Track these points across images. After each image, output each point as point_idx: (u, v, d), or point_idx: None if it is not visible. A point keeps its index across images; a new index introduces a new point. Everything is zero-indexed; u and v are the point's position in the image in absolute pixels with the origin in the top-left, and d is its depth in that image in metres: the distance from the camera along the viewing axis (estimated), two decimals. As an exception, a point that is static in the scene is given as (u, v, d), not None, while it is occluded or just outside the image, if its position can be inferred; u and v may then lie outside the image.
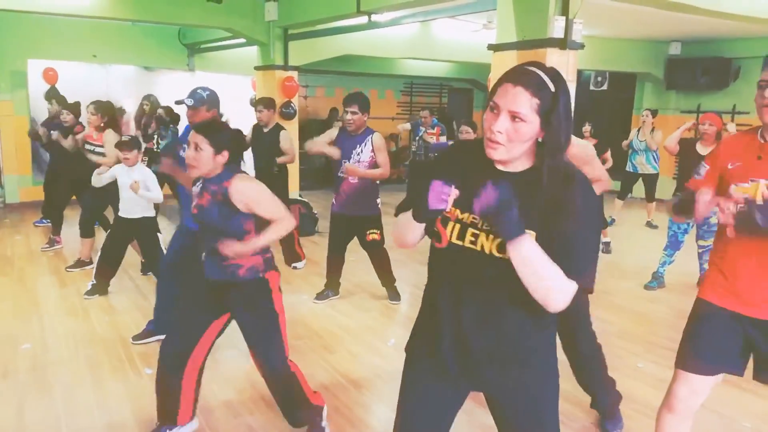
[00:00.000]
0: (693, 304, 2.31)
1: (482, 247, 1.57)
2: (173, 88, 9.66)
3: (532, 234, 1.50)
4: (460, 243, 1.61)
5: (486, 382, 1.72)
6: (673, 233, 5.51)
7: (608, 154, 6.75)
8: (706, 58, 9.97)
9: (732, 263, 2.16)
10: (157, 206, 4.94)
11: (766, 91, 2.06)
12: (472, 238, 1.59)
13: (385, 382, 3.64)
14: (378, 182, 4.81)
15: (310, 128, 11.90)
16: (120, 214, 4.80)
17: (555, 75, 1.52)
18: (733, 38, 9.59)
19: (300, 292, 5.23)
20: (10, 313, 4.69)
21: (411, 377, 1.83)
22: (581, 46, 4.72)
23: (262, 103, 5.82)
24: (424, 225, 1.62)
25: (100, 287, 5.02)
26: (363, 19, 6.87)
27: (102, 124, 5.53)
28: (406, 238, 1.68)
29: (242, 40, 8.59)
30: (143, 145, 6.05)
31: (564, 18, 4.57)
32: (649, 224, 8.58)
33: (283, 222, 2.59)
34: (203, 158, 2.53)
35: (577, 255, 1.52)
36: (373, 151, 4.61)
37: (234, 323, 2.75)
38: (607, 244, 7.05)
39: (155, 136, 8.01)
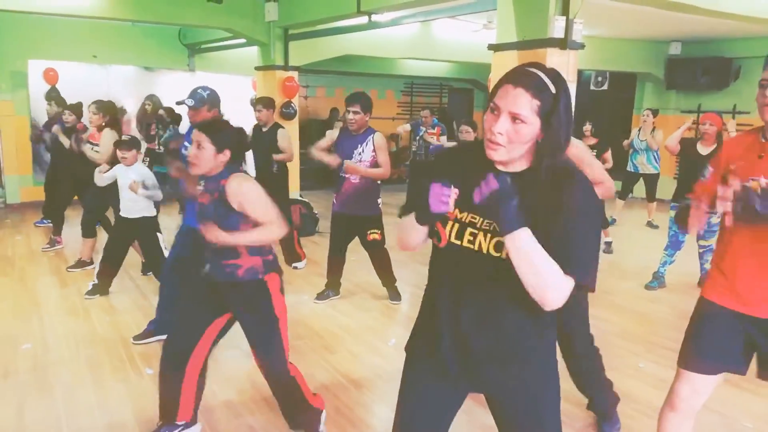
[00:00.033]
0: (696, 304, 2.31)
1: (480, 246, 1.58)
2: (174, 88, 9.65)
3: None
4: (458, 243, 1.61)
5: (486, 382, 1.72)
6: (674, 233, 5.51)
7: (608, 155, 6.74)
8: (706, 58, 9.97)
9: (732, 263, 2.17)
10: (158, 206, 4.94)
11: (767, 90, 2.06)
12: (471, 238, 1.59)
13: (385, 382, 3.64)
14: (379, 182, 4.81)
15: (310, 128, 11.90)
16: (121, 213, 4.81)
17: (555, 76, 1.52)
18: (734, 38, 9.59)
19: (301, 292, 5.22)
20: (11, 313, 4.69)
21: (410, 377, 1.83)
22: (581, 46, 4.72)
23: (262, 103, 5.83)
24: (426, 228, 1.63)
25: (102, 287, 5.02)
26: (363, 19, 6.87)
27: (103, 124, 5.54)
28: (409, 240, 1.69)
29: (243, 41, 8.60)
30: (145, 146, 6.06)
31: (564, 18, 4.57)
32: (650, 224, 8.58)
33: (272, 227, 2.55)
34: (205, 156, 2.54)
35: (575, 251, 1.51)
36: (374, 150, 4.62)
37: (237, 324, 2.75)
38: (609, 243, 7.05)
39: (156, 137, 8.02)
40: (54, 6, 6.74)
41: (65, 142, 6.14)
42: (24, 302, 4.92)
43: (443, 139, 8.26)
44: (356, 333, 4.47)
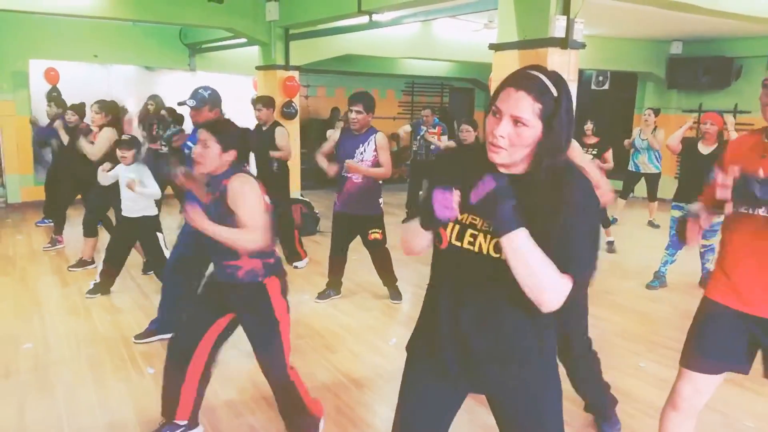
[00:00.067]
0: (699, 303, 2.31)
1: (480, 248, 1.58)
2: (175, 88, 9.65)
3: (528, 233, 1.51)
4: (459, 244, 1.61)
5: (486, 383, 1.72)
6: (675, 233, 5.50)
7: (609, 154, 6.71)
8: (707, 58, 9.97)
9: (734, 262, 2.17)
10: (159, 205, 4.95)
11: None
12: (471, 239, 1.60)
13: (386, 382, 3.64)
14: (381, 182, 4.81)
15: (311, 128, 11.90)
16: (122, 213, 4.82)
17: (557, 79, 1.52)
18: (735, 38, 9.59)
19: (302, 291, 5.22)
20: (12, 312, 4.69)
21: (411, 377, 1.83)
22: (582, 46, 4.72)
23: (262, 102, 5.84)
24: (431, 233, 1.63)
25: (103, 286, 5.03)
26: (364, 19, 6.87)
27: (105, 124, 5.56)
28: (414, 245, 1.69)
29: (243, 40, 8.60)
30: (146, 146, 6.07)
31: (565, 17, 4.56)
32: (651, 223, 8.57)
33: (252, 235, 2.48)
34: (210, 155, 2.54)
35: (575, 250, 1.51)
36: (375, 150, 4.62)
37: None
38: (611, 243, 7.04)
39: (158, 137, 8.02)
40: (55, 6, 6.74)
41: (65, 138, 6.17)
42: (25, 302, 4.93)
43: (444, 138, 8.26)
44: (357, 332, 4.47)
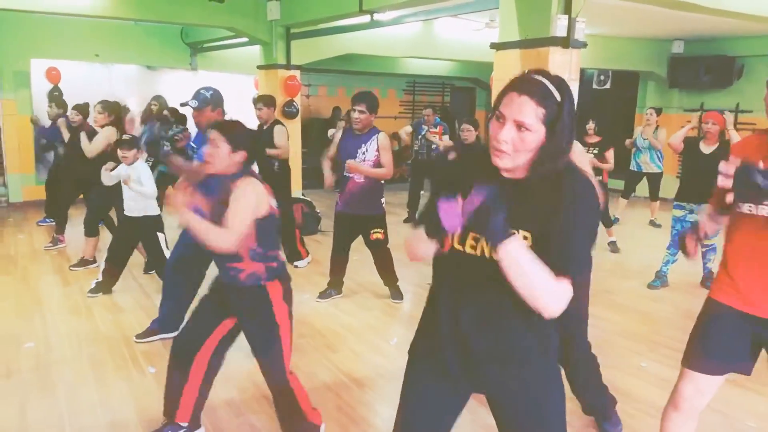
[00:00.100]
0: (703, 304, 2.31)
1: (482, 251, 1.59)
2: (176, 87, 9.67)
3: (528, 235, 1.52)
4: (460, 248, 1.62)
5: (487, 383, 1.72)
6: (676, 232, 5.50)
7: (610, 154, 6.69)
8: (709, 57, 9.95)
9: (737, 264, 2.17)
10: (161, 204, 4.95)
11: None
12: (473, 242, 1.60)
13: (387, 381, 3.64)
14: (383, 182, 4.81)
15: (312, 127, 11.91)
16: (125, 213, 4.84)
17: (560, 83, 1.52)
18: (736, 36, 9.57)
19: (303, 291, 5.22)
20: (14, 311, 4.70)
21: (411, 377, 1.83)
22: (584, 45, 4.71)
23: (262, 101, 5.85)
24: (436, 240, 1.63)
25: (105, 286, 5.03)
26: (365, 18, 6.87)
27: (108, 123, 5.59)
28: (418, 252, 1.69)
29: (245, 40, 8.60)
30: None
31: (567, 17, 4.55)
32: (653, 223, 8.56)
33: (225, 234, 2.44)
34: (219, 155, 2.54)
35: (574, 250, 1.52)
36: (378, 150, 4.62)
37: None
38: (614, 243, 7.03)
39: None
40: (56, 5, 6.74)
41: (66, 135, 6.21)
42: (26, 301, 4.93)
43: (446, 138, 8.26)
44: (358, 332, 4.47)
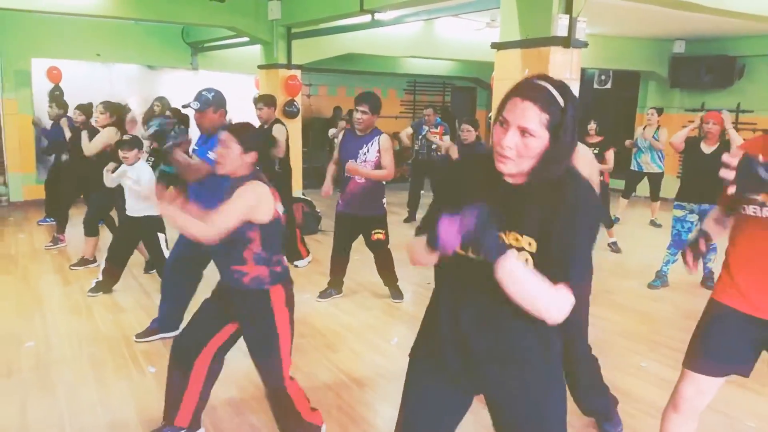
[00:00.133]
0: (705, 305, 2.30)
1: None
2: (177, 86, 9.67)
3: (532, 241, 1.52)
4: (463, 252, 1.61)
5: (486, 383, 1.71)
6: (676, 232, 5.50)
7: (609, 154, 6.68)
8: (710, 57, 9.94)
9: (740, 265, 2.16)
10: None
11: None
12: None
13: (387, 381, 3.64)
14: (384, 182, 4.81)
15: (313, 127, 11.91)
16: (126, 212, 4.84)
17: (563, 88, 1.52)
18: (738, 36, 9.56)
19: (303, 290, 5.22)
20: (14, 311, 4.70)
21: (412, 378, 1.83)
22: (585, 45, 4.71)
23: (263, 101, 5.86)
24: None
25: (105, 285, 5.04)
26: (366, 18, 6.87)
27: (110, 123, 5.60)
28: (420, 260, 1.69)
29: (245, 39, 8.60)
30: (149, 144, 6.08)
31: (568, 16, 4.55)
32: (653, 223, 8.56)
33: (204, 230, 2.45)
34: (230, 156, 2.55)
35: (575, 254, 1.53)
36: (379, 151, 4.61)
37: None
38: (614, 243, 7.03)
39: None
40: (57, 4, 6.75)
41: (68, 135, 6.24)
42: (27, 300, 4.94)
43: (446, 138, 8.26)
44: (358, 331, 4.47)
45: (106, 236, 5.81)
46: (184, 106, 3.83)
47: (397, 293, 5.11)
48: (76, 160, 5.97)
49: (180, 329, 3.95)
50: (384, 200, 4.84)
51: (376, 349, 4.17)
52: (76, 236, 6.44)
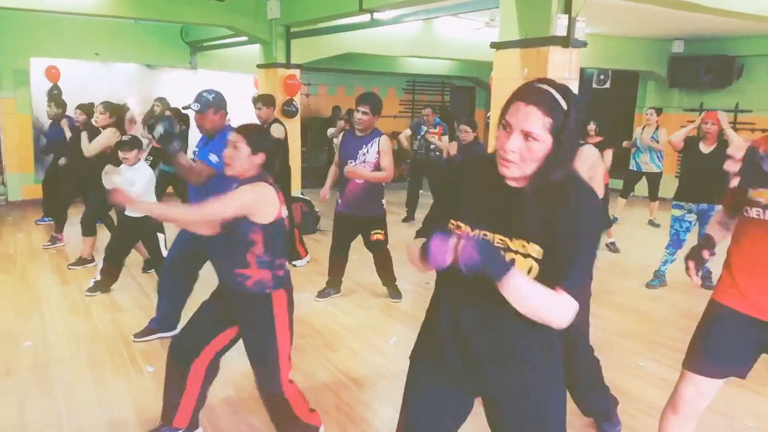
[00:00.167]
0: (706, 306, 2.30)
1: None
2: (176, 86, 9.67)
3: (537, 247, 1.53)
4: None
5: (486, 383, 1.71)
6: (675, 232, 5.51)
7: (607, 154, 6.65)
8: (709, 56, 9.95)
9: (743, 267, 2.16)
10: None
11: None
12: None
13: (386, 380, 3.64)
14: (383, 183, 4.80)
15: (312, 126, 11.91)
16: (125, 212, 4.82)
17: (566, 92, 1.52)
18: (737, 36, 9.57)
19: (302, 290, 5.21)
20: (12, 310, 4.69)
21: (413, 378, 1.84)
22: (584, 44, 4.71)
23: (262, 101, 5.86)
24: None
25: (103, 285, 5.03)
26: (365, 17, 6.87)
27: (110, 124, 5.59)
28: (417, 265, 1.70)
29: (244, 38, 8.60)
30: (147, 144, 6.08)
31: (567, 16, 4.55)
32: (652, 222, 8.56)
33: (189, 212, 2.57)
34: (239, 157, 2.54)
35: (576, 268, 1.54)
36: (378, 152, 4.61)
37: None
38: (613, 243, 7.03)
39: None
40: (56, 4, 6.74)
41: (68, 135, 6.24)
42: (25, 300, 4.93)
43: (445, 138, 8.26)
44: (357, 331, 4.47)
45: (104, 236, 5.80)
46: (184, 108, 3.82)
47: (395, 293, 5.11)
48: (76, 160, 5.97)
49: (178, 329, 3.95)
50: (383, 201, 4.84)
51: (374, 348, 4.17)
52: (74, 236, 6.43)
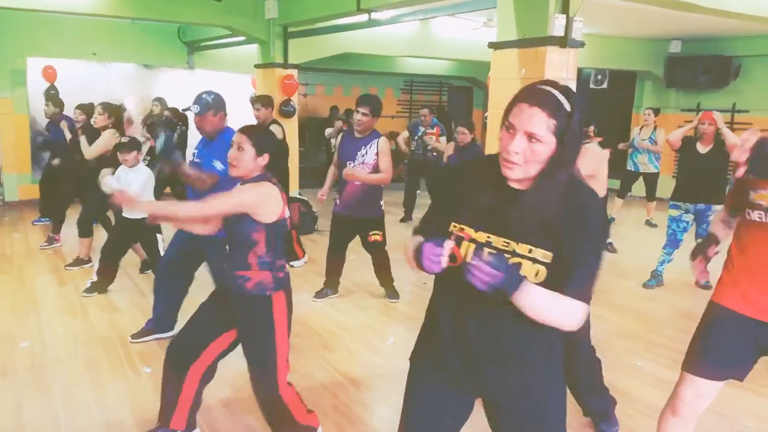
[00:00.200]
0: (706, 308, 2.30)
1: None
2: (173, 86, 9.66)
3: (546, 254, 1.53)
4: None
5: (487, 384, 1.71)
6: (672, 232, 5.52)
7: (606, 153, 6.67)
8: (706, 56, 9.97)
9: (744, 269, 2.16)
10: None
11: None
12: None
13: (384, 381, 3.64)
14: (382, 185, 4.80)
15: (310, 126, 11.90)
16: (123, 214, 4.81)
17: (569, 93, 1.52)
18: (734, 36, 9.59)
19: (299, 290, 5.20)
20: (9, 311, 4.68)
21: (413, 379, 1.84)
22: (581, 45, 4.71)
23: (260, 101, 5.86)
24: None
25: (100, 285, 5.02)
26: (363, 17, 6.86)
27: (108, 125, 5.58)
28: (414, 266, 1.69)
29: (242, 38, 8.59)
30: (146, 144, 6.09)
31: (564, 16, 4.55)
32: (649, 223, 8.58)
33: (196, 207, 2.56)
34: (245, 158, 2.53)
35: (582, 270, 1.55)
36: (377, 154, 4.61)
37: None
38: (611, 243, 7.03)
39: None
40: (54, 3, 6.73)
41: (68, 136, 6.23)
42: (22, 300, 4.92)
43: (443, 139, 8.26)
44: (355, 331, 4.46)
45: (100, 236, 5.79)
46: (184, 110, 3.82)
47: (393, 293, 5.10)
48: (75, 161, 5.96)
49: (175, 330, 3.94)
50: (382, 202, 4.84)
51: (372, 349, 4.17)
52: (71, 236, 6.42)
